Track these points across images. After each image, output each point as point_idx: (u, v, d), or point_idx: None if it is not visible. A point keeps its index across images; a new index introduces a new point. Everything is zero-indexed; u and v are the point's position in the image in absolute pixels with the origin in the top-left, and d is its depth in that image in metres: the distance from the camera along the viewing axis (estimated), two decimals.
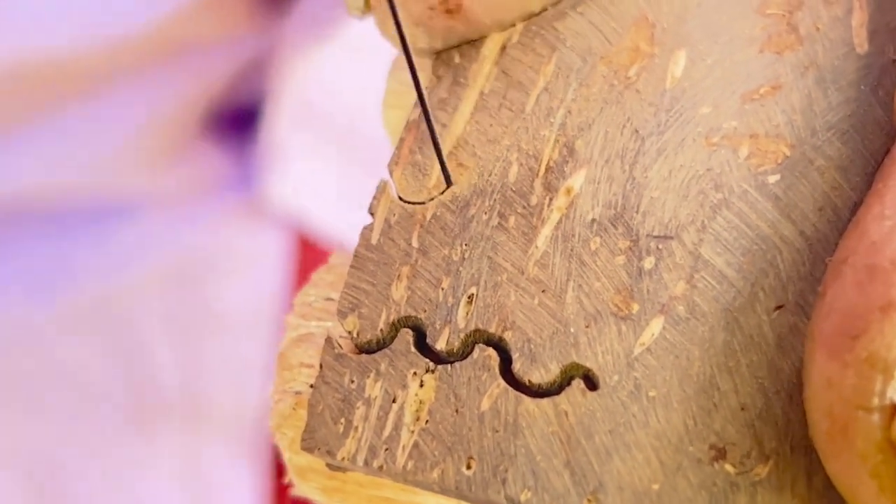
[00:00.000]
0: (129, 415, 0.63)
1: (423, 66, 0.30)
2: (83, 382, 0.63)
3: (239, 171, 0.64)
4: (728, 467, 0.25)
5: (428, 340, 0.27)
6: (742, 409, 0.26)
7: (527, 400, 0.26)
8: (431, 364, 0.27)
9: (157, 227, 0.63)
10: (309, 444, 0.27)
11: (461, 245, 0.28)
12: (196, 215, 0.63)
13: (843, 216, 0.27)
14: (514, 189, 0.28)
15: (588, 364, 0.26)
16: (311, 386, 0.28)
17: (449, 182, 0.28)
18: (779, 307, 0.26)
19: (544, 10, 0.29)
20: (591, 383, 0.26)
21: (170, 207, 0.63)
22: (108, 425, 0.63)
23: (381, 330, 0.28)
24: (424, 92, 0.28)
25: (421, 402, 0.27)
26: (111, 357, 0.63)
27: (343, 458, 0.27)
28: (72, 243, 0.62)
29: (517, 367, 0.27)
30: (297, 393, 0.28)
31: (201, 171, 0.63)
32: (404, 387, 0.27)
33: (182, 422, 0.63)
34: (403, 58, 0.31)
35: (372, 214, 0.29)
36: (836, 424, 0.24)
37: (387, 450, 0.27)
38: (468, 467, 0.26)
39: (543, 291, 0.27)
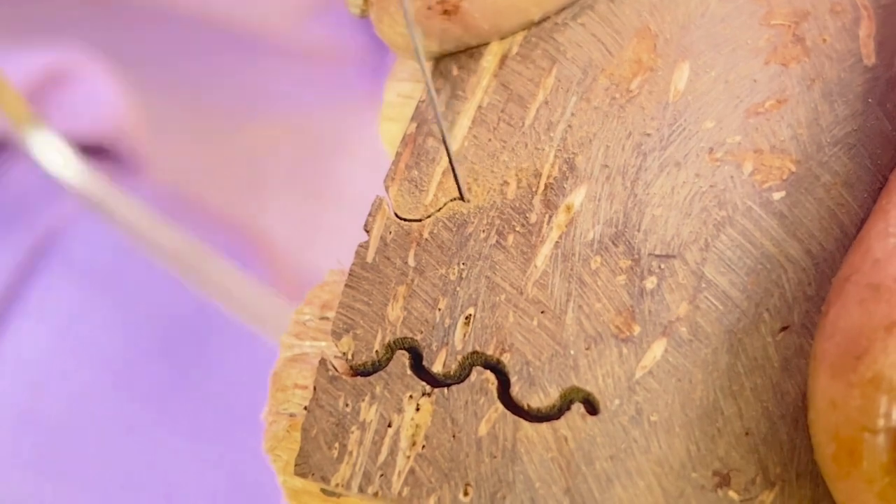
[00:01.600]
0: (230, 238, 0.60)
1: (420, 74, 0.30)
2: (184, 193, 0.61)
3: (375, 62, 0.62)
4: (732, 494, 0.25)
5: (424, 363, 0.27)
6: (746, 433, 0.25)
7: (525, 425, 0.26)
8: (428, 387, 0.26)
9: (294, 81, 0.61)
10: (303, 469, 0.27)
11: (459, 264, 0.27)
12: (336, 87, 0.61)
13: (849, 234, 0.26)
14: (512, 206, 0.27)
15: (588, 388, 0.26)
16: (306, 408, 0.27)
17: (463, 196, 0.28)
18: (784, 328, 0.26)
19: (544, 19, 0.29)
20: (592, 407, 0.26)
21: (311, 70, 0.60)
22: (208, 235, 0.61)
23: (377, 352, 0.27)
24: (438, 106, 0.27)
25: (417, 426, 0.26)
26: (220, 189, 0.61)
27: (337, 484, 0.26)
28: (195, 60, 0.59)
29: (516, 390, 0.26)
30: (292, 415, 0.28)
31: (346, 43, 0.60)
32: (400, 411, 0.26)
33: (285, 280, 0.61)
34: (401, 68, 0.31)
35: (367, 231, 0.28)
36: (842, 447, 0.23)
37: (382, 476, 0.26)
38: (465, 494, 0.26)
39: (542, 312, 0.26)
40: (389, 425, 0.26)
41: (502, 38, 0.29)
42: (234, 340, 0.57)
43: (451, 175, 0.28)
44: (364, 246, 0.28)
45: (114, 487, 0.55)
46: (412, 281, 0.27)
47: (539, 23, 0.29)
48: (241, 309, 0.55)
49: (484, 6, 0.28)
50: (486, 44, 0.29)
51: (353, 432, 0.27)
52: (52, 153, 0.55)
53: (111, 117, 0.61)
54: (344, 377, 0.27)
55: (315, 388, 0.27)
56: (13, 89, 0.54)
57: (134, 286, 0.58)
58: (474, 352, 0.27)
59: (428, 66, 0.29)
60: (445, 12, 0.28)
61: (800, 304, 0.26)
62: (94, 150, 0.61)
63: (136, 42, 0.62)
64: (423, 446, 0.26)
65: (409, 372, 0.27)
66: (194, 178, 0.63)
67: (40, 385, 0.55)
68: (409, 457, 0.26)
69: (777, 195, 0.26)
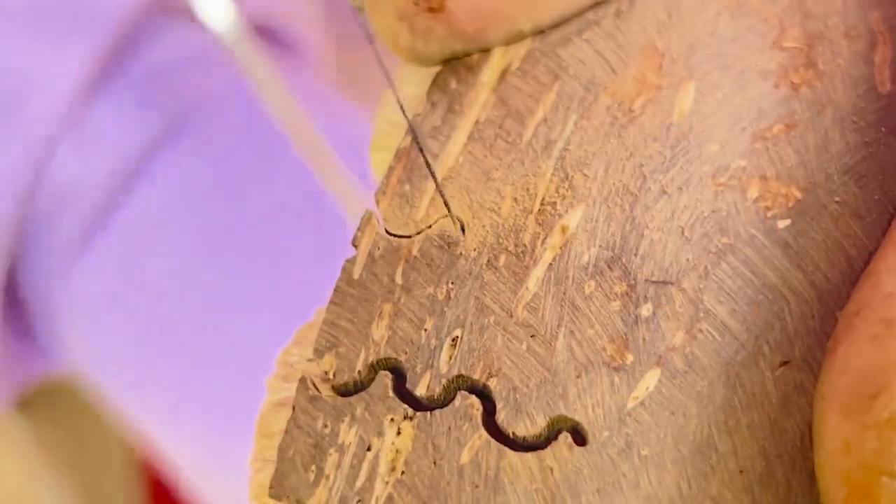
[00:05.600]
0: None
1: (409, 78, 0.29)
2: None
3: None
4: None
5: (408, 385, 0.26)
6: (741, 472, 0.24)
7: (510, 453, 0.25)
8: (410, 410, 0.25)
9: None
10: (277, 491, 0.26)
11: (447, 283, 0.26)
12: None
13: (856, 266, 0.25)
14: (506, 225, 0.26)
15: (577, 417, 0.25)
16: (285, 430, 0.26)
17: (463, 230, 0.26)
18: (784, 363, 0.24)
19: (535, 32, 0.28)
20: (580, 438, 0.25)
21: None
22: None
23: (359, 371, 0.26)
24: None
25: (397, 451, 0.25)
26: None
27: None
28: None
29: (501, 417, 0.25)
30: None
31: None
32: (380, 434, 0.25)
33: None
34: (392, 96, 0.30)
35: (355, 246, 0.27)
36: (856, 492, 0.22)
37: (359, 501, 0.25)
38: None
39: (532, 337, 0.25)
40: (369, 449, 0.25)
41: (489, 47, 0.28)
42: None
43: (444, 192, 0.27)
44: (351, 261, 0.27)
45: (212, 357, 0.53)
46: (399, 299, 0.26)
47: (537, 35, 0.28)
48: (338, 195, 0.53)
49: (470, 9, 0.27)
50: (475, 52, 0.28)
51: (330, 455, 0.25)
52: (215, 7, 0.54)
53: (293, 3, 0.60)
54: (324, 397, 0.26)
55: (293, 408, 0.26)
56: None
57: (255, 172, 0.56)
58: (460, 375, 0.25)
59: (413, 72, 0.28)
60: (431, 10, 0.27)
61: (802, 339, 0.25)
62: (262, 31, 0.60)
63: None
64: (403, 472, 0.25)
65: (391, 394, 0.25)
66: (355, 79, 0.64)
67: (146, 255, 0.54)
68: (387, 482, 0.25)
69: (782, 223, 0.25)
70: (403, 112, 0.27)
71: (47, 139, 0.52)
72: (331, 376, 0.26)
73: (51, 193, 0.53)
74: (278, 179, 0.55)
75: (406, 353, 0.26)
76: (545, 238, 0.26)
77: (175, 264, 0.54)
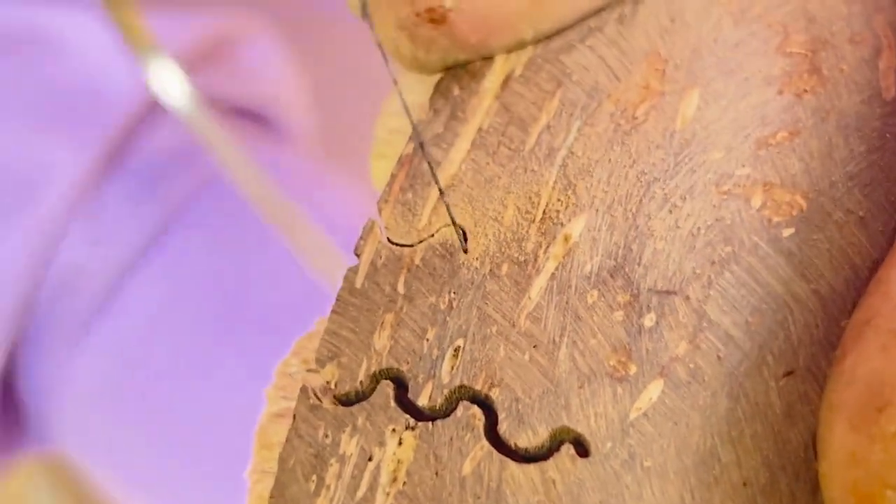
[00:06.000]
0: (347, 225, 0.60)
1: (410, 87, 0.29)
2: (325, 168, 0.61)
3: None
4: None
5: (410, 395, 0.25)
6: (744, 484, 0.24)
7: (512, 465, 0.24)
8: (412, 420, 0.25)
9: None
10: (277, 501, 0.25)
11: (449, 293, 0.26)
12: None
13: (861, 275, 0.25)
14: (508, 234, 0.26)
15: (579, 428, 0.24)
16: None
17: (465, 249, 0.26)
18: (788, 373, 0.24)
19: (537, 39, 0.27)
20: (582, 449, 0.24)
21: None
22: None
23: (361, 381, 0.26)
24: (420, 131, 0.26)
25: (399, 461, 0.25)
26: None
27: None
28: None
29: (503, 428, 0.25)
30: None
31: None
32: (382, 444, 0.25)
33: None
34: (395, 101, 0.30)
35: (358, 255, 0.27)
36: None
37: None
38: None
39: (535, 347, 0.25)
40: (370, 459, 0.25)
41: (492, 55, 0.27)
42: None
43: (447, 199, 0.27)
44: (353, 270, 0.27)
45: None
46: (401, 309, 0.26)
47: (539, 42, 0.28)
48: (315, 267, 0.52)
49: (472, 19, 0.27)
50: (478, 60, 0.28)
51: (331, 465, 0.25)
52: (169, 80, 0.54)
53: (272, 84, 0.61)
54: (325, 407, 0.26)
55: (294, 417, 0.26)
56: (137, 15, 0.53)
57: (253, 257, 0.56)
58: (462, 385, 0.25)
59: (415, 81, 0.28)
60: (433, 21, 0.26)
61: (805, 348, 0.24)
62: (250, 115, 0.61)
63: (305, 8, 0.61)
64: (405, 483, 0.25)
65: (392, 404, 0.25)
66: (345, 155, 0.64)
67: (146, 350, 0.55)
68: (388, 493, 0.25)
69: (786, 232, 0.25)
70: (408, 114, 0.27)
71: (55, 229, 0.52)
72: (332, 386, 0.26)
73: (56, 279, 0.53)
74: (279, 265, 0.55)
75: (408, 362, 0.26)
76: (548, 247, 0.26)
77: (175, 353, 0.54)
